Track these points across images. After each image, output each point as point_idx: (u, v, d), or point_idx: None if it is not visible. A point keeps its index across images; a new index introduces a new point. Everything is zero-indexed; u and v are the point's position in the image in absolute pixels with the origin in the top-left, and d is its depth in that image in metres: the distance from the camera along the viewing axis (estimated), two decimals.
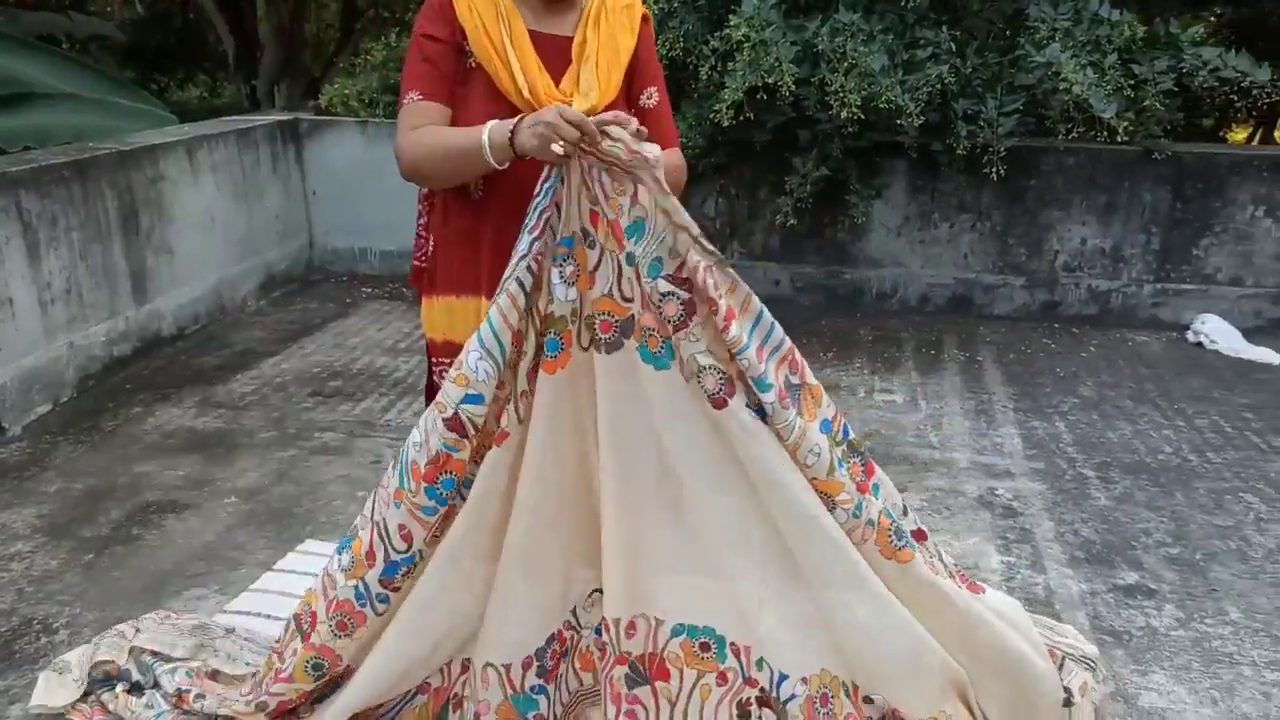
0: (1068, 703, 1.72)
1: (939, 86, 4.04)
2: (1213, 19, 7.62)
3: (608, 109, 1.64)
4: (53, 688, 1.91)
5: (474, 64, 1.66)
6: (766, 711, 1.66)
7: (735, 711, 1.67)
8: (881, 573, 1.63)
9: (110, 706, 1.87)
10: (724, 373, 1.55)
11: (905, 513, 1.70)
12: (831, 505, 1.59)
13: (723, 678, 1.67)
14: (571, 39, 1.68)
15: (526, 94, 1.62)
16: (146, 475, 3.01)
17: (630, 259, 1.53)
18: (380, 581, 1.63)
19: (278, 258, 5.02)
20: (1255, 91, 4.41)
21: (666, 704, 1.67)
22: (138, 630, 2.04)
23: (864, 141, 4.35)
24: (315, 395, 3.69)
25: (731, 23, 3.97)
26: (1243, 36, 7.31)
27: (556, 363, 1.58)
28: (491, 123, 1.54)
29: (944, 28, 4.22)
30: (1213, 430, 3.50)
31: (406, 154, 1.65)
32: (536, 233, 1.53)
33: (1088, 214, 4.59)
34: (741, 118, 4.03)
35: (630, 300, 1.55)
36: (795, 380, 1.60)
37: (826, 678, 1.65)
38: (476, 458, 1.60)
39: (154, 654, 1.94)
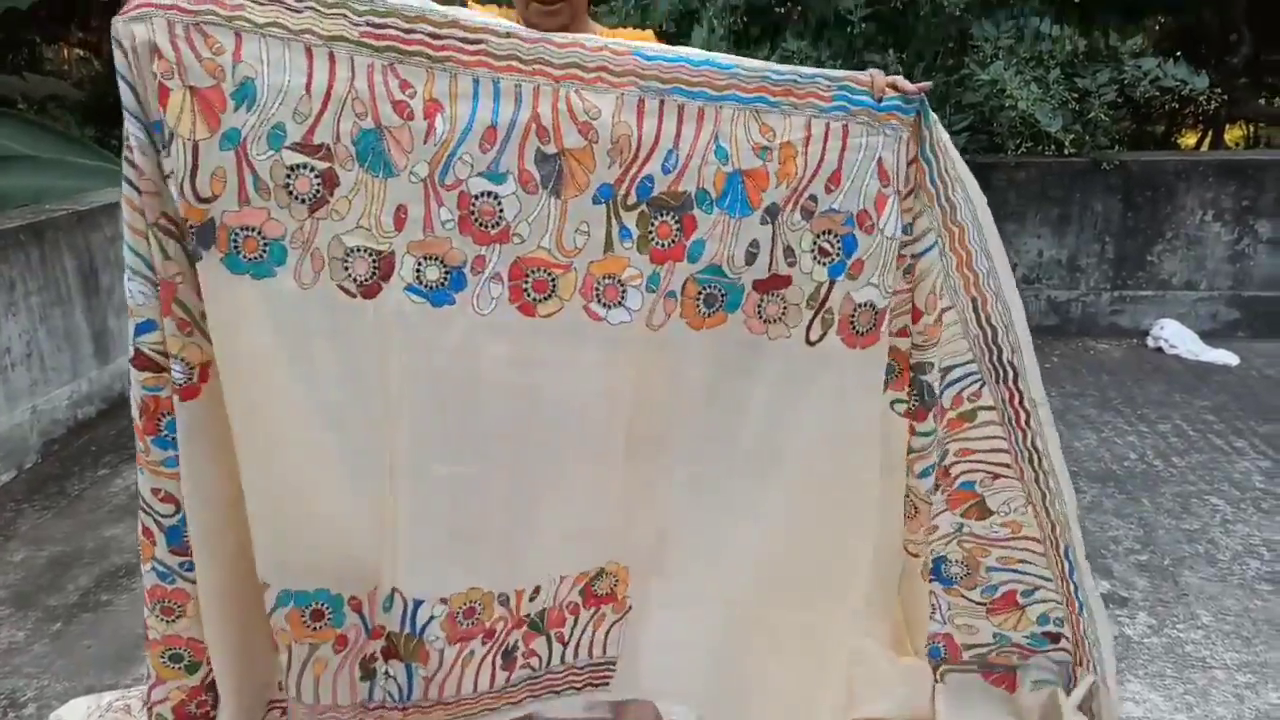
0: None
1: None
2: (1156, 28, 7.83)
3: None
4: None
5: None
6: (394, 663, 1.51)
7: (359, 673, 1.52)
8: (685, 349, 1.41)
9: None
10: (378, 250, 1.29)
11: (752, 260, 1.39)
12: (621, 290, 1.36)
13: (341, 641, 1.49)
14: None
15: None
16: (115, 539, 2.97)
17: (231, 139, 1.22)
18: (171, 551, 1.43)
19: None
20: (1197, 98, 4.54)
21: (288, 676, 1.49)
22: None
23: None
24: None
25: None
26: (1183, 44, 7.51)
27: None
28: None
29: (890, 50, 4.31)
30: (1176, 434, 3.56)
31: None
32: (129, 116, 1.24)
33: (1042, 226, 4.67)
34: None
35: (210, 200, 1.23)
36: (550, 150, 1.30)
37: (475, 594, 1.49)
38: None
39: None
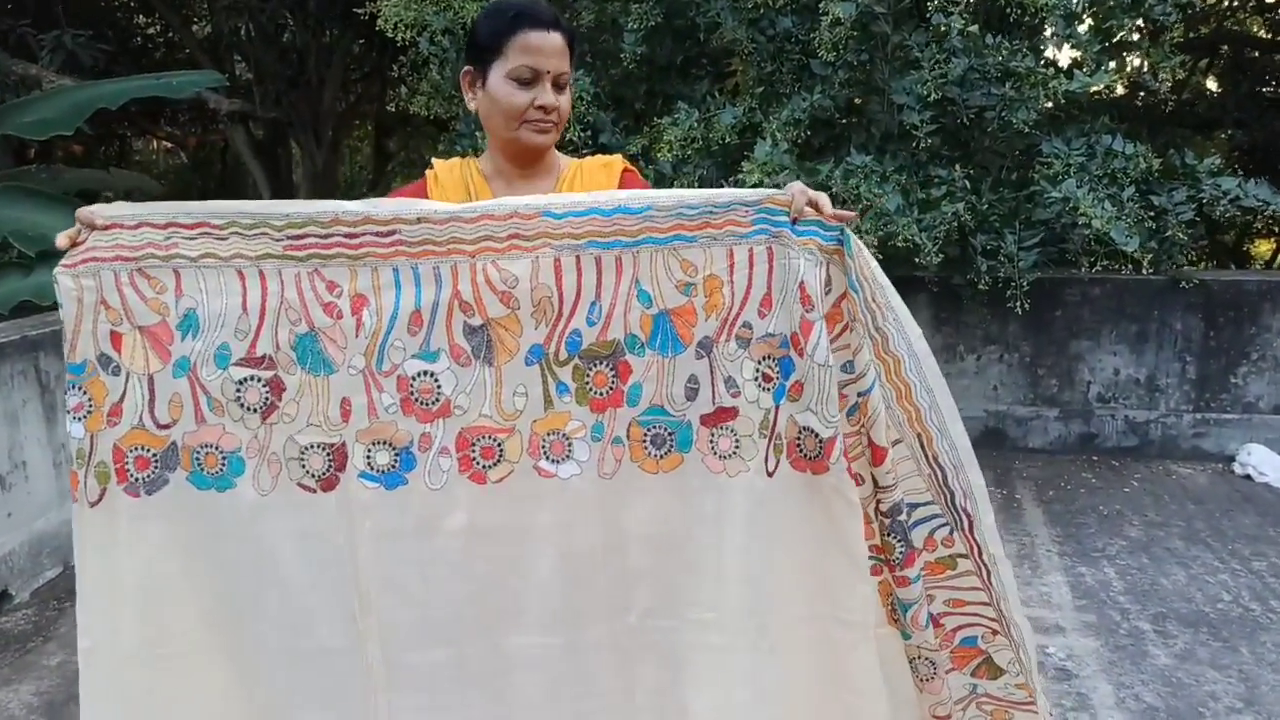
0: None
1: (955, 223, 4.03)
2: (1224, 136, 7.70)
3: None
4: None
5: None
6: None
7: None
8: (644, 492, 1.36)
9: None
10: (330, 443, 1.34)
11: (694, 396, 1.35)
12: (567, 443, 1.35)
13: None
14: None
15: None
16: None
17: (182, 366, 1.33)
18: None
19: None
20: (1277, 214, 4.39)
21: None
22: None
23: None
24: None
25: (745, 168, 4.02)
26: (1253, 158, 7.37)
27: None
28: None
29: (956, 165, 4.25)
30: (1273, 574, 3.29)
31: None
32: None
33: (1118, 343, 4.50)
34: None
35: (169, 426, 1.34)
36: (475, 322, 1.33)
37: None
38: None
39: None
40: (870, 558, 1.40)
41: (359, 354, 1.33)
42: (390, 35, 4.76)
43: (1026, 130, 4.13)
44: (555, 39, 1.50)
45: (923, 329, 4.50)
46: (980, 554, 1.43)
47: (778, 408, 1.35)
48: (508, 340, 1.33)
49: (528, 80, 1.51)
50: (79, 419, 1.34)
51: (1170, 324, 4.45)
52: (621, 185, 1.64)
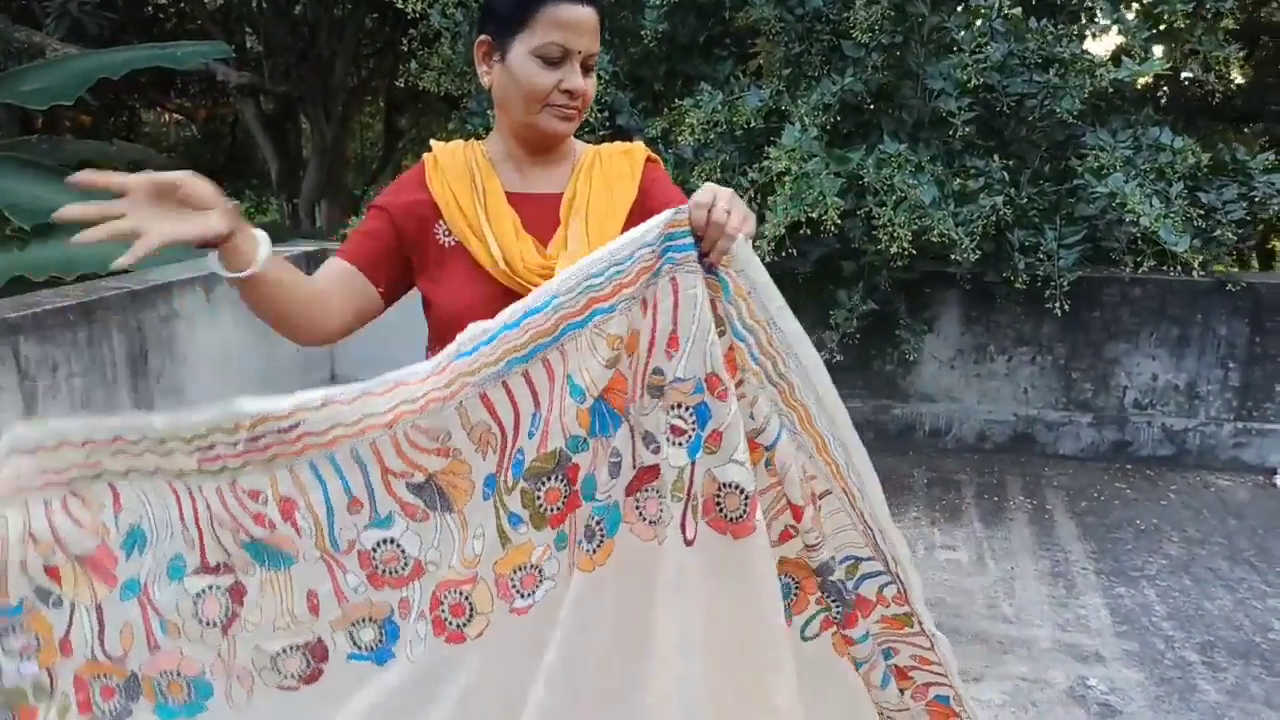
0: None
1: (993, 218, 3.81)
2: (1246, 130, 7.42)
3: None
4: None
5: (453, 242, 1.43)
6: None
7: None
8: (584, 597, 1.23)
9: None
10: (303, 643, 1.20)
11: (616, 472, 1.23)
12: (538, 572, 1.22)
13: None
14: (562, 195, 1.47)
15: (503, 265, 1.37)
16: None
17: (131, 589, 1.18)
18: None
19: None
20: None
21: None
22: None
23: (913, 273, 4.12)
24: None
25: (771, 155, 3.80)
26: None
27: None
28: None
29: (994, 155, 4.03)
30: None
31: None
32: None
33: (1158, 347, 4.28)
34: (784, 252, 3.82)
35: (122, 658, 1.20)
36: (418, 479, 1.22)
37: None
38: None
39: None
40: (821, 610, 1.31)
41: (311, 546, 1.19)
42: (401, 7, 4.54)
43: (1070, 120, 3.90)
44: (589, 15, 1.36)
45: (952, 327, 4.25)
46: (923, 625, 1.33)
47: (693, 464, 1.21)
48: (459, 483, 1.20)
49: (555, 60, 1.35)
50: (29, 659, 1.18)
51: (1214, 328, 4.22)
52: (644, 180, 1.47)
